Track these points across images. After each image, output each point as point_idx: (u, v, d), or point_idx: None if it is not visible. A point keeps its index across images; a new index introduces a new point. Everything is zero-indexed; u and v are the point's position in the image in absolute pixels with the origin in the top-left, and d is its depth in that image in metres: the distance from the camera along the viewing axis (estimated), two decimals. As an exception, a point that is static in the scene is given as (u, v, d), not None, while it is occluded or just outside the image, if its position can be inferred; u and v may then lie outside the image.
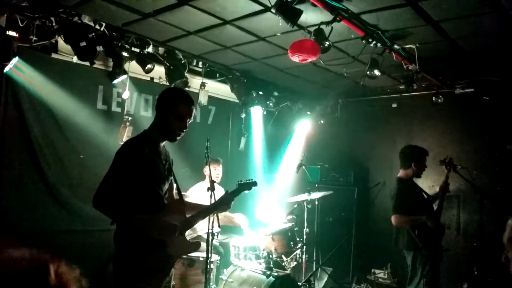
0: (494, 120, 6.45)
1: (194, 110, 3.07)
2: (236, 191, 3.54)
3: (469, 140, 6.65)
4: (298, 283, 5.15)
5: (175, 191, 3.18)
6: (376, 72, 5.26)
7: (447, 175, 4.86)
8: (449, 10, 4.12)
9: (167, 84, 5.92)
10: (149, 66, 5.50)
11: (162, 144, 3.07)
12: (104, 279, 5.52)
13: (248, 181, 3.61)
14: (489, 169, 6.17)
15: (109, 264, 5.56)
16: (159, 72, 5.99)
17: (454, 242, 5.24)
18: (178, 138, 3.02)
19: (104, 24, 4.87)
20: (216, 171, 5.99)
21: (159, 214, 2.90)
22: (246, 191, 3.58)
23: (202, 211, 3.28)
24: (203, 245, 3.47)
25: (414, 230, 4.67)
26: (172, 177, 3.13)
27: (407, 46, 5.14)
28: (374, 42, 4.78)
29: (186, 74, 5.91)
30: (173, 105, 2.98)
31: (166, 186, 3.07)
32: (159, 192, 2.97)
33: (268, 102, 7.46)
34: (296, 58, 4.17)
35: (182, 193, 3.27)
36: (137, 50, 5.43)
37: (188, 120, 3.00)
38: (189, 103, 3.04)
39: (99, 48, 4.87)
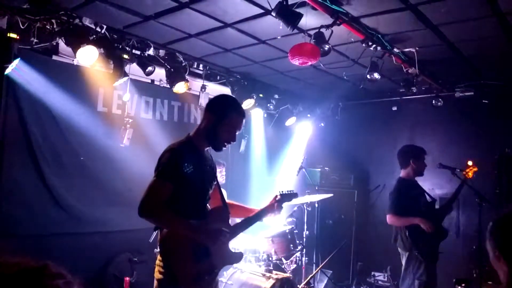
0: (494, 124, 6.47)
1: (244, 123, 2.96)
2: (280, 201, 3.25)
3: (468, 143, 6.67)
4: (298, 286, 5.15)
5: (218, 195, 3.07)
6: (376, 75, 5.29)
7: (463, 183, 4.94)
8: (448, 14, 4.14)
9: (168, 86, 5.93)
10: (149, 68, 5.50)
11: (206, 148, 2.98)
12: (104, 281, 5.54)
13: (289, 192, 3.32)
14: (488, 172, 6.18)
15: (109, 266, 5.61)
16: (159, 74, 6.00)
17: (454, 244, 5.25)
18: (224, 148, 2.93)
19: (105, 27, 4.88)
20: (221, 173, 6.02)
21: (202, 222, 2.80)
22: (287, 203, 3.31)
23: (248, 219, 3.12)
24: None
25: (406, 231, 4.72)
26: (215, 182, 3.04)
27: (407, 49, 5.17)
28: (374, 45, 4.80)
29: (187, 77, 5.92)
30: (228, 116, 2.86)
31: (210, 192, 2.99)
32: (203, 200, 2.91)
33: (268, 105, 7.48)
34: (296, 61, 4.19)
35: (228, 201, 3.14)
36: (138, 52, 5.43)
37: (238, 132, 2.93)
38: (243, 116, 2.95)
39: (100, 51, 4.88)
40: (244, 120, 2.93)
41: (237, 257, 3.05)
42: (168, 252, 2.68)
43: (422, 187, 5.10)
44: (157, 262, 2.75)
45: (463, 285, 2.63)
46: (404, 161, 5.06)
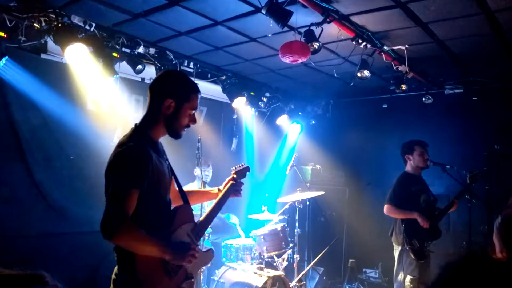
0: (483, 120, 6.52)
1: None
2: (238, 179, 2.99)
3: (458, 139, 6.71)
4: (290, 283, 5.16)
5: (175, 188, 2.75)
6: (366, 73, 5.31)
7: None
8: (438, 11, 4.17)
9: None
10: (139, 66, 5.47)
11: (160, 139, 2.56)
12: (95, 281, 5.51)
13: (241, 168, 3.03)
14: (477, 168, 6.22)
15: (100, 266, 5.57)
16: (149, 72, 5.96)
17: (443, 240, 5.28)
18: (183, 134, 2.53)
19: (94, 25, 4.84)
20: (205, 172, 6.04)
21: (170, 229, 2.44)
22: (243, 179, 3.03)
23: (214, 210, 2.81)
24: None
25: (402, 226, 4.74)
26: (172, 176, 2.64)
27: (397, 47, 5.18)
28: (364, 43, 4.81)
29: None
30: (186, 97, 2.46)
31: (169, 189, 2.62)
32: (167, 201, 2.54)
33: (259, 103, 7.47)
34: (286, 59, 4.20)
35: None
36: (128, 50, 5.40)
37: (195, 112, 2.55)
38: (199, 91, 2.54)
39: (89, 49, 4.84)
40: (199, 96, 2.54)
41: (209, 256, 2.84)
42: (143, 276, 2.25)
43: (426, 185, 5.10)
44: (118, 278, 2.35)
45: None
46: (403, 159, 5.12)
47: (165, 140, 2.62)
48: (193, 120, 2.53)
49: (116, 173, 2.25)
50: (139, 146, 2.31)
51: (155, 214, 2.38)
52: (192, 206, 2.87)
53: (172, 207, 2.60)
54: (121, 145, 2.33)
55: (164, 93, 2.44)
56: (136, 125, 2.48)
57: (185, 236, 2.52)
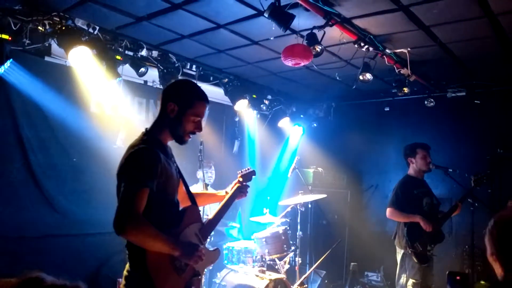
0: (485, 124, 6.51)
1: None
2: (244, 181, 3.19)
3: (460, 143, 6.70)
4: (292, 286, 5.16)
5: (183, 189, 2.84)
6: (369, 76, 5.31)
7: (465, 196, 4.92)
8: (440, 15, 4.16)
9: (161, 87, 5.92)
10: (142, 69, 5.49)
11: (168, 143, 2.68)
12: (97, 282, 5.52)
13: (247, 171, 3.22)
14: (481, 172, 6.22)
15: (103, 267, 5.59)
16: (152, 75, 5.99)
17: (446, 244, 5.28)
18: (188, 140, 2.64)
19: (97, 28, 4.86)
20: (207, 174, 6.05)
21: (178, 228, 2.52)
22: (249, 182, 3.21)
23: (219, 212, 2.92)
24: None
25: (405, 229, 4.73)
26: (181, 178, 2.76)
27: (399, 50, 5.18)
28: (366, 46, 4.82)
29: (180, 78, 5.91)
30: (192, 104, 2.57)
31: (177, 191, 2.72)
32: (175, 202, 2.63)
33: (261, 106, 7.48)
34: (289, 62, 4.21)
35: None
36: (131, 53, 5.42)
37: (202, 119, 2.64)
38: (206, 100, 2.65)
39: (93, 52, 4.87)
40: (207, 105, 2.65)
41: (215, 255, 2.89)
42: (154, 272, 2.33)
43: (429, 188, 5.09)
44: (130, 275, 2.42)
45: (457, 278, 2.59)
46: (405, 162, 5.12)
47: (169, 143, 2.70)
48: (199, 128, 2.62)
49: (128, 173, 2.35)
50: (149, 148, 2.42)
51: (163, 213, 2.48)
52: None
53: (180, 208, 2.70)
54: (133, 147, 2.47)
55: (169, 98, 2.58)
56: (146, 129, 2.62)
57: (193, 236, 2.62)
